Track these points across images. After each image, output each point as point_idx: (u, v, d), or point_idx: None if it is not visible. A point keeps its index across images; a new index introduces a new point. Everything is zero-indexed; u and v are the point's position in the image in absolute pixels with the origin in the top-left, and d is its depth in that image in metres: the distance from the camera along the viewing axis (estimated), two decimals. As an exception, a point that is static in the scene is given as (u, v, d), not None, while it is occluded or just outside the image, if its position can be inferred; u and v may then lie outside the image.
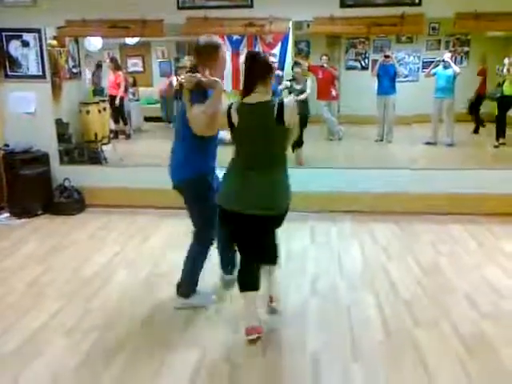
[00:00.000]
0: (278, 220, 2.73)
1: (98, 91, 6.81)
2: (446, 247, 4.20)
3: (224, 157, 2.95)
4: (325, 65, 6.74)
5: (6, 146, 5.24)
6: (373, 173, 5.08)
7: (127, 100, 7.49)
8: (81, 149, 5.76)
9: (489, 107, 7.09)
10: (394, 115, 7.02)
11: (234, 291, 3.39)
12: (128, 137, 7.52)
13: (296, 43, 6.05)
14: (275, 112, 2.53)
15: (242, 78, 2.69)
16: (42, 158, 5.29)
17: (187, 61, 7.45)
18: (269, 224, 2.69)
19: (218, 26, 4.80)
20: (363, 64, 7.65)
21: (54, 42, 5.38)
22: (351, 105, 7.26)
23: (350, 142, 7.13)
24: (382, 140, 7.11)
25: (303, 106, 5.90)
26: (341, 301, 3.32)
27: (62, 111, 5.62)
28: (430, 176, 5.02)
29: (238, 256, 3.44)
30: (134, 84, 8.05)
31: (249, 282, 2.82)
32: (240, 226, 2.70)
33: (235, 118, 2.62)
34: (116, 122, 7.28)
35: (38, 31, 5.09)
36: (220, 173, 2.98)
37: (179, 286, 3.20)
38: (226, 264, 3.44)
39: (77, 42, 5.80)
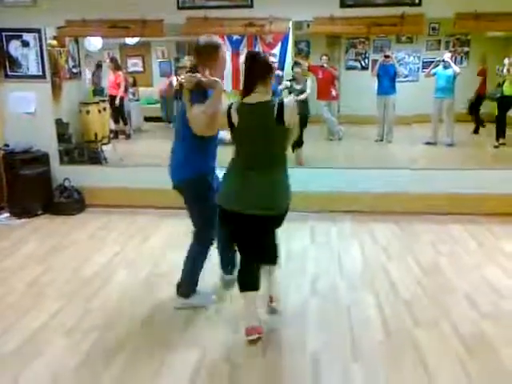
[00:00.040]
0: (278, 220, 2.73)
1: (97, 91, 6.82)
2: (445, 247, 4.20)
3: (224, 157, 2.95)
4: (325, 65, 6.74)
5: (6, 145, 5.24)
6: (373, 173, 5.08)
7: (127, 100, 7.49)
8: (81, 149, 5.76)
9: (489, 107, 7.09)
10: (393, 115, 7.02)
11: (233, 291, 3.39)
12: (128, 137, 7.52)
13: (296, 43, 6.05)
14: (275, 112, 2.53)
15: (241, 78, 2.69)
16: (42, 158, 5.29)
17: (187, 61, 7.45)
18: (269, 224, 2.69)
19: (218, 26, 4.80)
20: (363, 64, 7.65)
21: (54, 42, 5.38)
22: (351, 105, 7.26)
23: (349, 141, 7.13)
24: (381, 140, 7.11)
25: (303, 106, 5.90)
26: (341, 301, 3.32)
27: (61, 111, 5.62)
28: (429, 176, 5.02)
29: (237, 256, 3.45)
30: (134, 84, 8.05)
31: (249, 282, 2.82)
32: (240, 226, 2.70)
33: (235, 118, 2.62)
34: (116, 122, 7.28)
35: (38, 31, 5.09)
36: (220, 173, 2.98)
37: (179, 286, 3.20)
38: (226, 264, 3.45)
39: (77, 41, 5.80)
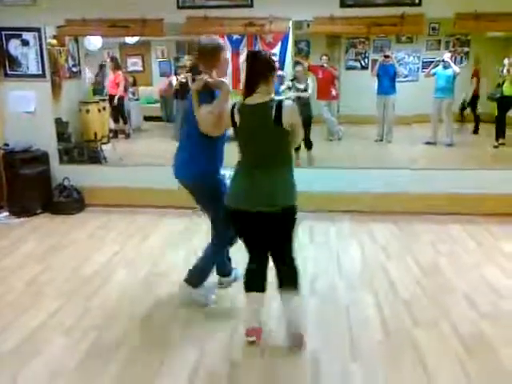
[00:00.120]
0: (285, 219, 2.64)
1: (97, 90, 6.82)
2: (445, 247, 4.20)
3: (230, 154, 2.98)
4: (325, 65, 6.74)
5: (6, 145, 5.23)
6: (372, 173, 5.08)
7: (127, 99, 7.49)
8: (80, 148, 5.75)
9: (489, 107, 7.10)
10: (393, 115, 7.02)
11: (233, 291, 3.40)
12: (127, 136, 7.52)
13: (296, 43, 6.05)
14: (273, 113, 2.52)
15: (243, 77, 2.68)
16: (42, 158, 5.29)
17: (187, 60, 7.46)
18: (276, 222, 2.62)
19: (218, 26, 4.80)
20: (363, 64, 7.65)
21: (54, 41, 5.38)
22: (351, 105, 7.26)
23: (349, 141, 7.13)
24: (381, 140, 7.11)
25: (305, 107, 5.89)
26: (340, 301, 3.32)
27: (61, 110, 5.62)
28: (429, 176, 5.02)
29: (232, 259, 3.47)
30: (134, 83, 8.05)
31: (254, 283, 2.81)
32: (248, 225, 2.69)
33: (237, 118, 2.62)
34: (116, 121, 7.28)
35: (38, 30, 5.08)
36: (225, 172, 2.99)
37: (190, 273, 3.19)
38: (223, 267, 3.44)
39: (76, 41, 5.80)
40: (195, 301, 3.20)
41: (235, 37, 5.74)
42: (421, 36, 6.88)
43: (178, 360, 2.68)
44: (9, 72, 5.23)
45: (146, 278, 3.68)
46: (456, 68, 6.89)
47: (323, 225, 4.72)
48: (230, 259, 3.47)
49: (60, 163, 5.45)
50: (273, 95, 2.63)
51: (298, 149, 5.07)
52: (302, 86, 6.08)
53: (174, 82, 7.32)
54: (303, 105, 5.73)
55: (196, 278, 3.19)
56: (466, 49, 7.33)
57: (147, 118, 8.25)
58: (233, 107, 2.65)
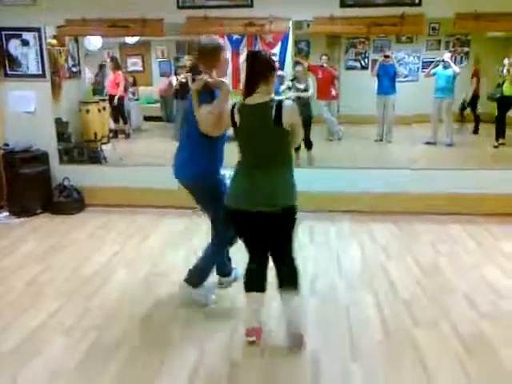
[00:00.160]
0: (285, 219, 2.64)
1: (97, 90, 6.82)
2: (445, 247, 4.20)
3: (230, 154, 2.98)
4: (324, 65, 6.74)
5: (6, 145, 5.23)
6: (372, 173, 5.07)
7: (127, 99, 7.50)
8: (80, 148, 5.75)
9: (488, 108, 7.10)
10: (393, 115, 7.02)
11: (233, 291, 3.40)
12: (127, 136, 7.53)
13: (296, 43, 6.05)
14: (273, 113, 2.52)
15: (243, 78, 2.68)
16: (42, 157, 5.29)
17: (187, 60, 7.47)
18: (275, 222, 2.62)
19: (218, 26, 4.80)
20: (363, 64, 7.65)
21: (54, 41, 5.38)
22: (351, 105, 7.26)
23: (349, 141, 7.14)
24: (381, 140, 7.11)
25: (306, 107, 5.89)
26: (340, 301, 3.32)
27: (61, 110, 5.62)
28: (429, 176, 5.02)
29: (232, 259, 3.47)
30: (134, 83, 8.06)
31: (254, 283, 2.81)
32: (248, 224, 2.69)
33: (237, 118, 2.62)
34: (116, 121, 7.29)
35: (38, 30, 5.08)
36: (225, 172, 2.99)
37: (190, 273, 3.19)
38: (223, 267, 3.44)
39: (76, 41, 5.80)
40: (195, 301, 3.21)
41: (235, 37, 5.74)
42: (421, 36, 6.88)
43: (178, 360, 2.68)
44: (9, 72, 5.23)
45: (145, 278, 3.68)
46: (456, 68, 6.89)
47: (323, 225, 4.72)
48: (229, 259, 3.47)
49: (60, 163, 5.45)
50: (273, 95, 2.62)
51: (297, 149, 5.07)
52: (301, 86, 6.08)
53: (174, 82, 7.32)
54: (303, 105, 5.74)
55: (196, 277, 3.19)
56: (466, 49, 7.34)
57: (147, 118, 8.25)
58: (233, 107, 2.66)
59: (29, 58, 5.17)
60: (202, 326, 3.02)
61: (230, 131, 2.81)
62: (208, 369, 2.60)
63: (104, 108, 6.63)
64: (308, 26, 5.11)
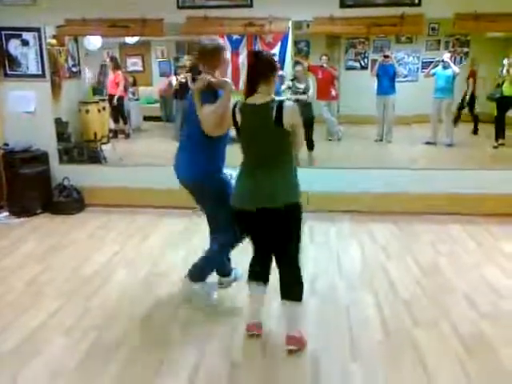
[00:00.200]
0: (288, 216, 2.63)
1: (97, 90, 6.83)
2: (445, 247, 4.20)
3: (233, 155, 2.98)
4: (324, 65, 6.74)
5: (6, 144, 5.23)
6: (372, 173, 5.08)
7: (127, 99, 7.50)
8: (80, 148, 5.75)
9: (488, 108, 7.11)
10: (393, 115, 7.03)
11: (233, 291, 3.40)
12: (127, 136, 7.53)
13: (296, 43, 6.05)
14: (274, 114, 2.52)
15: (244, 78, 2.69)
16: (42, 157, 5.29)
17: (187, 60, 7.47)
18: (278, 218, 2.62)
19: (218, 26, 4.80)
20: (363, 64, 7.66)
21: (54, 41, 5.38)
22: (351, 105, 7.27)
23: (349, 142, 7.14)
24: (381, 140, 7.12)
25: (307, 108, 5.88)
26: (340, 301, 3.32)
27: (61, 110, 5.62)
28: (429, 176, 5.02)
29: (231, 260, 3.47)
30: (134, 83, 8.06)
31: (258, 273, 2.84)
32: (253, 224, 2.72)
33: (239, 118, 2.63)
34: (116, 121, 7.29)
35: (38, 30, 5.08)
36: (231, 172, 2.99)
37: (192, 269, 3.18)
38: (223, 267, 3.44)
39: (76, 41, 5.80)
40: (197, 295, 3.19)
41: (235, 37, 5.73)
42: (420, 36, 6.89)
43: (178, 360, 2.68)
44: (9, 72, 5.23)
45: (145, 278, 3.68)
46: (456, 68, 6.89)
47: (323, 225, 4.72)
48: (229, 259, 3.47)
49: (60, 163, 5.45)
50: (273, 96, 2.63)
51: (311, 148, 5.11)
52: (302, 86, 6.07)
53: (174, 82, 7.33)
54: (304, 106, 5.72)
55: (196, 275, 3.17)
56: (465, 49, 7.34)
57: (147, 118, 8.26)
58: (234, 106, 2.66)
59: (29, 57, 5.17)
60: (202, 326, 3.02)
61: (233, 132, 2.81)
62: (208, 369, 2.60)
63: (104, 108, 6.63)
64: (308, 26, 5.11)
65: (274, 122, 2.52)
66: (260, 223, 2.67)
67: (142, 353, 2.74)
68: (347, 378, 2.52)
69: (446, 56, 6.95)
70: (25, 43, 5.14)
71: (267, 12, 4.74)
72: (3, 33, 5.13)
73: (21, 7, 4.98)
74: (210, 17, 4.81)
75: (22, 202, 5.12)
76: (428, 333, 2.90)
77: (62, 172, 5.34)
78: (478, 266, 3.81)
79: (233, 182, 2.89)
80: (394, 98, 6.99)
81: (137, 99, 8.16)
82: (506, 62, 6.83)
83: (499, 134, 6.82)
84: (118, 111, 7.28)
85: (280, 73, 5.35)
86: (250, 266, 2.89)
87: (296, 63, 6.00)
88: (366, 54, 7.63)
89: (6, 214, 5.15)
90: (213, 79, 2.86)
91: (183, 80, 7.04)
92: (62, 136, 5.54)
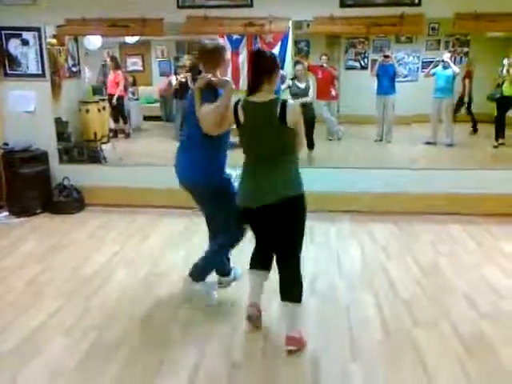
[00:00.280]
0: (288, 210, 2.63)
1: (97, 90, 6.83)
2: (445, 247, 4.19)
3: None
4: (324, 64, 6.74)
5: (6, 144, 5.23)
6: (372, 173, 5.07)
7: (127, 99, 7.50)
8: (80, 148, 5.75)
9: (488, 108, 7.11)
10: (393, 115, 7.03)
11: (233, 291, 3.40)
12: (127, 136, 7.54)
13: (296, 43, 6.06)
14: (278, 111, 2.55)
15: (247, 76, 2.70)
16: (42, 157, 5.29)
17: (187, 60, 7.48)
18: (278, 213, 2.62)
19: (218, 26, 4.80)
20: (363, 64, 7.67)
21: (54, 41, 5.38)
22: (351, 105, 7.28)
23: (349, 141, 7.15)
24: (381, 140, 7.12)
25: (308, 108, 5.88)
26: (340, 301, 3.32)
27: (61, 110, 5.62)
28: (429, 176, 5.02)
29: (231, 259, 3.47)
30: (134, 83, 8.07)
31: (259, 262, 2.89)
32: (256, 221, 2.77)
33: (241, 115, 2.64)
34: (116, 121, 7.30)
35: (38, 30, 5.07)
36: (236, 172, 2.99)
37: (193, 268, 3.17)
38: (222, 266, 3.44)
39: (76, 40, 5.81)
40: (197, 295, 3.18)
41: (235, 37, 5.74)
42: (420, 36, 6.91)
43: (178, 360, 2.67)
44: (9, 72, 5.22)
45: (145, 278, 3.68)
46: (456, 68, 6.90)
47: (323, 225, 4.71)
48: (228, 259, 3.46)
49: (60, 163, 5.44)
50: (274, 95, 2.65)
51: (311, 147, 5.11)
52: (302, 86, 6.07)
53: (174, 82, 7.33)
54: (305, 106, 5.73)
55: (197, 275, 3.17)
56: (465, 49, 7.35)
57: (147, 118, 8.27)
58: (236, 104, 2.67)
59: (29, 57, 5.16)
60: (202, 326, 3.01)
61: (235, 139, 2.82)
62: (208, 369, 2.60)
63: (104, 108, 6.63)
64: (308, 25, 5.11)
65: (278, 119, 2.55)
66: (262, 220, 2.71)
67: (141, 353, 2.74)
68: (347, 378, 2.52)
69: (446, 56, 6.96)
70: (25, 43, 5.13)
71: (267, 12, 4.74)
72: (3, 32, 5.13)
73: (21, 7, 4.98)
74: (210, 16, 4.81)
75: (22, 202, 5.12)
76: (428, 333, 2.90)
77: (62, 172, 5.34)
78: (478, 266, 3.81)
79: (234, 182, 2.90)
80: (393, 98, 6.99)
81: (137, 99, 8.16)
82: (506, 62, 6.83)
83: (499, 133, 6.83)
84: (118, 111, 7.28)
85: (280, 72, 5.35)
86: (252, 255, 2.95)
87: (297, 62, 6.01)
88: (366, 54, 7.63)
89: (5, 213, 5.15)
90: (214, 78, 2.87)
91: (183, 80, 7.05)
92: (61, 136, 5.54)
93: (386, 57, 6.97)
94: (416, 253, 4.07)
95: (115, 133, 7.22)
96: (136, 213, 5.10)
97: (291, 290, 2.72)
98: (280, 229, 2.67)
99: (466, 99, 7.28)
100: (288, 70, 5.81)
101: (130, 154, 6.60)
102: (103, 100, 6.74)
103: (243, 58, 5.86)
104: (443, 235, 4.46)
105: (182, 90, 6.82)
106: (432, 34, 6.66)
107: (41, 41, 5.12)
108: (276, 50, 5.58)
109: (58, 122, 5.49)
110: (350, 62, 7.74)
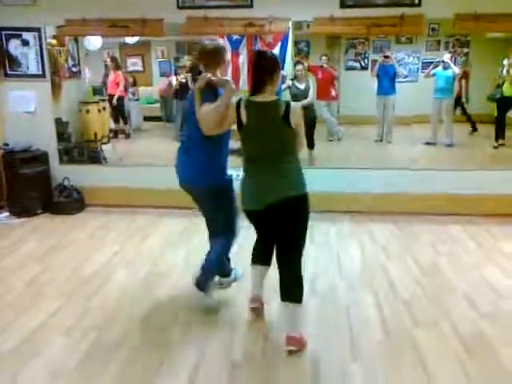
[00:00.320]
0: (289, 209, 2.64)
1: (97, 90, 6.83)
2: (445, 247, 4.19)
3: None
4: (324, 65, 6.75)
5: (6, 144, 5.23)
6: (372, 173, 5.07)
7: (127, 99, 7.50)
8: (80, 148, 5.75)
9: (488, 108, 7.11)
10: (393, 115, 7.04)
11: (233, 292, 3.40)
12: (127, 136, 7.54)
13: (296, 43, 6.06)
14: (282, 112, 2.57)
15: (249, 77, 2.73)
16: (42, 157, 5.29)
17: (187, 60, 7.48)
18: (280, 212, 2.64)
19: (218, 26, 4.80)
20: (363, 64, 7.68)
21: (54, 41, 5.38)
22: (351, 105, 7.28)
23: (349, 142, 7.15)
24: (381, 140, 7.13)
25: (309, 108, 5.87)
26: (340, 301, 3.32)
27: (61, 110, 5.62)
28: (429, 176, 5.02)
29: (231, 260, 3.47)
30: (134, 83, 8.07)
31: (260, 257, 2.96)
32: (259, 221, 2.81)
33: (243, 115, 2.64)
34: (116, 121, 7.30)
35: (38, 30, 5.08)
36: (237, 173, 3.00)
37: (198, 281, 3.12)
38: (222, 267, 3.44)
39: (76, 41, 5.81)
40: (207, 305, 3.14)
41: (235, 37, 5.74)
42: (420, 37, 6.91)
43: (178, 360, 2.67)
44: (9, 72, 5.23)
45: (145, 278, 3.68)
46: (456, 68, 6.90)
47: (323, 225, 4.71)
48: (229, 259, 3.46)
49: (60, 163, 5.44)
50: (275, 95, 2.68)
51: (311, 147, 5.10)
52: (302, 86, 6.08)
53: (174, 82, 7.33)
54: (305, 107, 5.72)
55: (204, 282, 3.10)
56: (465, 49, 7.36)
57: (147, 118, 8.27)
58: (238, 103, 2.68)
59: (29, 57, 5.17)
60: (202, 326, 3.01)
61: (237, 144, 2.82)
62: (208, 369, 2.60)
63: (104, 108, 6.63)
64: (308, 26, 5.11)
65: (281, 119, 2.57)
66: (265, 220, 2.74)
67: (141, 353, 2.74)
68: (347, 378, 2.52)
69: (446, 56, 6.96)
70: (25, 43, 5.14)
71: (267, 12, 4.75)
72: (3, 33, 5.13)
73: (21, 7, 4.98)
74: (210, 17, 4.81)
75: (22, 202, 5.12)
76: (428, 333, 2.90)
77: (62, 172, 5.34)
78: (478, 266, 3.81)
79: (236, 182, 2.91)
80: (394, 99, 7.00)
81: (137, 99, 8.17)
82: (505, 62, 6.84)
83: (499, 134, 6.83)
84: (118, 111, 7.28)
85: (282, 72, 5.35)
86: (253, 249, 3.01)
87: (297, 63, 6.01)
88: (366, 55, 7.64)
89: (6, 214, 5.15)
90: (214, 78, 2.88)
91: (183, 80, 7.05)
92: (62, 136, 5.54)
93: (386, 57, 6.98)
94: (416, 253, 4.07)
95: (115, 133, 7.22)
96: (136, 213, 5.10)
97: (292, 290, 2.72)
98: (282, 228, 2.69)
99: (463, 99, 7.29)
100: (288, 70, 5.81)
101: (130, 155, 6.60)
102: (103, 100, 6.74)
103: (243, 58, 5.86)
104: (443, 235, 4.46)
105: (182, 90, 6.82)
106: (432, 34, 6.66)
107: (41, 41, 5.12)
108: (276, 51, 5.58)
109: (59, 122, 5.49)
110: (350, 63, 7.74)
